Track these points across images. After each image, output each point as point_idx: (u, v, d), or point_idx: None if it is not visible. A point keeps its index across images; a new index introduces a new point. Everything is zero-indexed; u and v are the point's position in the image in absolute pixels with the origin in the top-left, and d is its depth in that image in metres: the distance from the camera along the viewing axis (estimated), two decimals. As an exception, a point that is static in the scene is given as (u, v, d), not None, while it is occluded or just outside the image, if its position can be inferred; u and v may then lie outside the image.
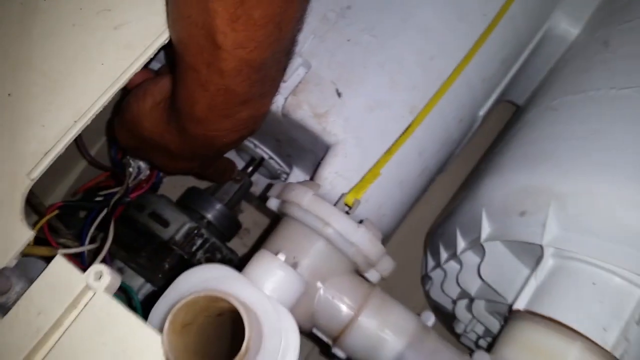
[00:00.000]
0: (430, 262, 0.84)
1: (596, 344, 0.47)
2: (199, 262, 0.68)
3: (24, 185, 0.37)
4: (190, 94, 0.43)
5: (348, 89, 0.61)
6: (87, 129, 0.59)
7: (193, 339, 0.38)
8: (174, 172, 0.67)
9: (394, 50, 0.62)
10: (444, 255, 0.76)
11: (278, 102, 0.60)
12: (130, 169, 0.64)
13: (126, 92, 0.52)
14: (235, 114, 0.45)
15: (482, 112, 0.74)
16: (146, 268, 0.65)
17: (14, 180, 0.37)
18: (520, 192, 0.57)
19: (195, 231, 0.68)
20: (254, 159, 0.80)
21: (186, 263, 0.67)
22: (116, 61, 0.40)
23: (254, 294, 0.38)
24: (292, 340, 0.38)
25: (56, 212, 0.54)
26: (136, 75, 0.47)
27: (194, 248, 0.68)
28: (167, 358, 0.34)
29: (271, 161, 0.80)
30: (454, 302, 0.76)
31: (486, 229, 0.61)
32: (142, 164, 0.66)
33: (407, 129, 0.60)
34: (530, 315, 0.51)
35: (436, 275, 0.81)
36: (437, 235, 0.80)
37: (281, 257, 0.42)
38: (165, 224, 0.67)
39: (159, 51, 0.42)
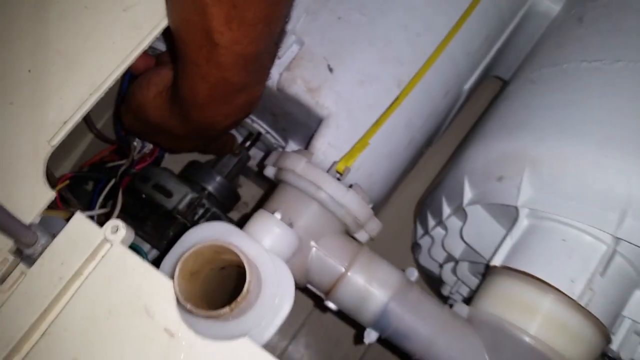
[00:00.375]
0: (419, 231, 0.88)
1: (565, 295, 0.52)
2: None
3: (45, 151, 0.42)
4: (192, 85, 0.47)
5: (339, 65, 0.65)
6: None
7: (199, 287, 0.43)
8: (177, 151, 0.74)
9: (382, 28, 0.66)
10: (431, 222, 0.80)
11: (273, 78, 0.64)
12: (135, 143, 0.69)
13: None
14: (233, 101, 0.50)
15: (467, 86, 0.78)
16: (152, 235, 0.70)
17: (36, 147, 0.42)
18: (499, 158, 0.61)
19: (197, 201, 0.72)
20: (252, 134, 0.84)
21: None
22: (126, 40, 0.44)
23: (254, 246, 0.42)
24: (288, 289, 0.43)
25: (67, 182, 0.58)
26: (138, 60, 0.50)
27: (196, 217, 0.73)
28: (178, 299, 0.38)
29: (268, 136, 0.84)
30: (441, 266, 0.81)
31: (468, 195, 0.65)
32: (146, 140, 0.70)
33: (394, 101, 0.64)
34: (507, 270, 0.56)
35: (424, 242, 0.85)
36: (425, 205, 0.85)
37: (277, 215, 0.46)
38: (168, 194, 0.71)
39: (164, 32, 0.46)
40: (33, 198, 0.41)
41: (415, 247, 0.89)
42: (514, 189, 0.58)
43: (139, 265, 0.39)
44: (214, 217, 0.74)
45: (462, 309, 0.56)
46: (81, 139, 0.73)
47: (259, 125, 0.83)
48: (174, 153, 0.80)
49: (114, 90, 0.69)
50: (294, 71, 0.64)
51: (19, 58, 0.44)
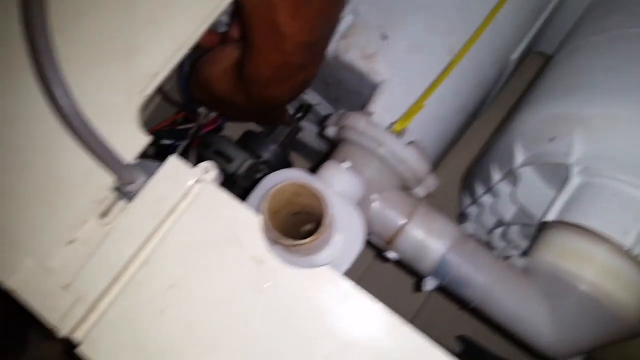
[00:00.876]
0: (466, 201, 0.91)
1: (618, 245, 0.54)
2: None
3: (138, 101, 0.46)
4: (258, 68, 0.52)
5: (393, 33, 0.68)
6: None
7: (278, 227, 0.46)
8: (239, 121, 0.82)
9: (434, -2, 0.69)
10: (479, 191, 0.83)
11: (330, 47, 0.67)
12: (201, 110, 0.73)
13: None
14: (293, 80, 0.55)
15: (514, 57, 0.80)
16: (215, 198, 0.74)
17: (130, 97, 0.46)
18: (550, 120, 0.64)
19: (256, 167, 0.76)
20: (303, 106, 0.88)
21: (249, 194, 0.76)
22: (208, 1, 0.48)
23: (327, 189, 0.46)
24: (359, 228, 0.46)
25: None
26: (205, 37, 0.54)
27: (255, 182, 0.77)
28: (266, 231, 0.42)
29: (319, 107, 0.87)
30: (490, 232, 0.83)
31: (520, 158, 0.68)
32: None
33: (446, 68, 0.67)
34: (561, 225, 0.58)
35: (472, 211, 0.88)
36: (472, 175, 0.87)
37: (346, 165, 0.50)
38: (229, 160, 0.76)
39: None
40: (130, 142, 0.45)
41: (462, 217, 0.92)
42: (566, 149, 0.60)
43: (229, 202, 0.43)
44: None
45: (517, 260, 0.58)
46: (152, 101, 0.78)
47: (311, 97, 0.86)
48: (235, 122, 0.85)
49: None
50: (349, 39, 0.68)
51: (109, 17, 0.48)
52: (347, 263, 0.45)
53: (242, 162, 0.76)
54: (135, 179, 0.43)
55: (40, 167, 0.46)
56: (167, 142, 0.68)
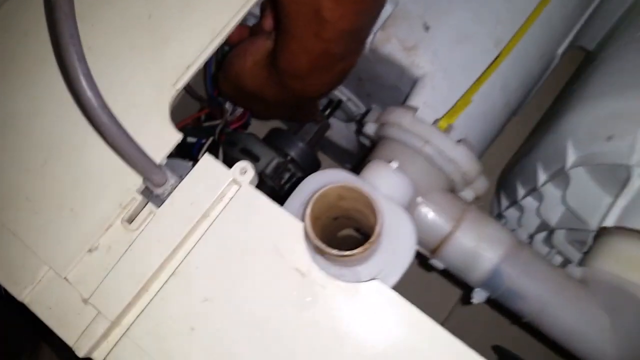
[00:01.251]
0: (504, 202, 0.86)
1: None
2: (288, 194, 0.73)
3: (170, 94, 0.42)
4: (294, 57, 0.48)
5: (435, 23, 0.63)
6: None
7: (318, 234, 0.42)
8: (266, 118, 0.77)
9: (478, -16, 0.64)
10: (521, 192, 0.78)
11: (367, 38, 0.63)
12: (227, 105, 0.69)
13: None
14: (331, 70, 0.51)
15: (560, 50, 0.75)
16: (241, 198, 0.70)
17: (161, 90, 0.42)
18: (608, 117, 0.59)
19: (283, 166, 0.72)
20: (332, 102, 0.83)
21: (276, 193, 0.71)
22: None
23: (375, 192, 0.41)
24: (408, 235, 0.42)
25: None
26: (234, 33, 0.51)
27: (283, 181, 0.73)
28: (309, 239, 0.37)
29: (349, 103, 0.83)
30: (531, 236, 0.78)
31: (571, 157, 0.63)
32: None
33: (494, 61, 0.62)
34: (621, 230, 0.53)
35: (510, 213, 0.83)
36: (512, 175, 0.82)
37: (394, 164, 0.45)
38: (255, 158, 0.72)
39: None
40: (160, 139, 0.40)
41: (499, 219, 0.87)
42: (626, 148, 0.55)
43: (268, 206, 0.39)
44: (300, 182, 0.74)
45: (575, 270, 0.53)
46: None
47: (340, 92, 0.82)
48: (262, 119, 0.81)
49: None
50: (388, 30, 0.63)
51: (139, 4, 0.44)
52: (397, 275, 0.41)
53: (269, 161, 0.72)
54: (165, 180, 0.39)
55: (61, 166, 0.42)
56: (191, 139, 0.64)
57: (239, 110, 0.71)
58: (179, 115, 0.74)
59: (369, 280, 0.38)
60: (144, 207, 0.40)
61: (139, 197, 0.40)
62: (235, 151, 0.72)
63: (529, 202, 0.76)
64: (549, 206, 0.70)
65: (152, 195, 0.40)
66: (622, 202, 0.55)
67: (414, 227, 0.42)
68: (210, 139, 0.64)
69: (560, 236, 0.72)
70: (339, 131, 0.92)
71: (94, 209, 0.41)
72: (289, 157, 0.77)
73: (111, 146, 0.37)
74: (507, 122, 0.78)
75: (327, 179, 0.42)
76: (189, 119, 0.69)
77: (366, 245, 0.36)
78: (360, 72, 0.72)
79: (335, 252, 0.36)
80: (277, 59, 0.51)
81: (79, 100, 0.34)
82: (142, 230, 0.39)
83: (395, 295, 0.37)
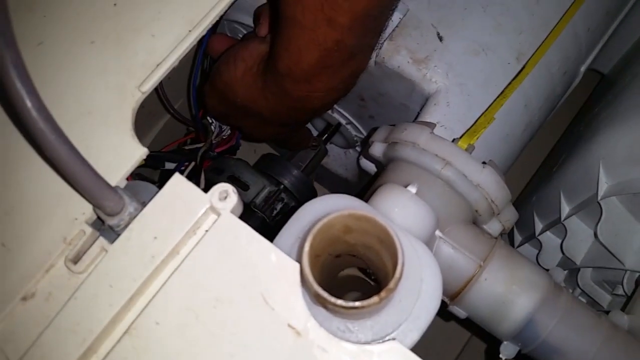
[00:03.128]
0: (517, 237, 0.78)
1: None
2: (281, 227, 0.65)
3: (134, 99, 0.33)
4: (302, 54, 0.43)
5: (450, 32, 0.56)
6: (171, 85, 0.57)
7: (318, 276, 0.33)
8: (259, 139, 0.70)
9: (497, -9, 0.57)
10: (538, 225, 0.71)
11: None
12: (212, 127, 0.61)
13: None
14: (341, 70, 0.45)
15: (583, 68, 0.68)
16: (229, 230, 0.61)
17: (124, 93, 0.33)
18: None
19: (275, 195, 0.64)
20: (330, 125, 0.76)
21: (268, 226, 0.63)
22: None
23: (393, 225, 0.33)
24: (432, 278, 0.33)
25: (143, 162, 0.50)
26: (218, 42, 0.50)
27: (275, 212, 0.65)
28: (306, 286, 0.29)
29: (348, 126, 0.75)
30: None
31: (604, 184, 0.55)
32: (223, 124, 0.63)
33: (518, 74, 0.54)
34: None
35: (525, 250, 0.75)
36: (528, 207, 0.74)
37: (412, 189, 0.37)
38: (245, 187, 0.64)
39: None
40: (120, 155, 0.32)
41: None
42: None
43: (255, 242, 0.30)
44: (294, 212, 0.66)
45: (621, 318, 0.45)
46: (158, 119, 0.66)
47: (339, 114, 0.74)
48: (253, 140, 0.73)
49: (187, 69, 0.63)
50: (397, 40, 0.56)
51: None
52: (419, 330, 0.32)
53: (259, 190, 0.64)
54: (122, 208, 0.30)
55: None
56: (170, 165, 0.56)
57: (227, 133, 0.63)
58: (165, 142, 0.67)
59: (384, 341, 0.29)
60: (94, 242, 0.31)
61: (88, 230, 0.31)
62: (222, 178, 0.64)
63: (549, 237, 0.68)
64: (574, 241, 0.63)
65: (105, 227, 0.31)
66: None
67: (438, 268, 0.33)
68: (192, 164, 0.55)
69: (586, 275, 0.64)
70: (337, 159, 0.85)
71: (30, 244, 0.31)
72: (282, 186, 0.69)
73: (49, 162, 0.28)
74: (527, 144, 0.70)
75: (330, 206, 0.33)
76: (173, 143, 0.61)
77: (383, 294, 0.28)
78: (362, 90, 0.65)
79: (341, 302, 0.27)
80: (278, 62, 0.44)
81: (7, 98, 0.25)
82: (91, 272, 0.30)
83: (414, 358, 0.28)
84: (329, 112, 0.75)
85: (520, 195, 0.87)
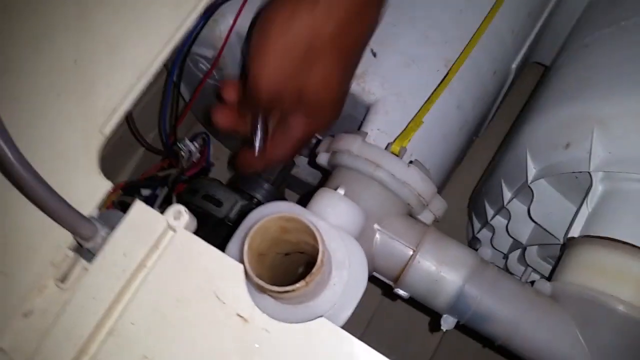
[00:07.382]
0: (476, 225, 0.84)
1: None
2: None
3: (97, 141, 0.40)
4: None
5: (382, 48, 0.62)
6: (142, 119, 0.63)
7: (266, 272, 0.40)
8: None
9: (422, 7, 0.64)
10: (490, 212, 0.77)
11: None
12: (182, 153, 0.68)
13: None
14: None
15: (514, 65, 0.74)
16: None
17: (88, 136, 0.40)
18: (563, 124, 0.58)
19: (248, 209, 0.71)
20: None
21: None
22: (169, 20, 0.43)
23: (320, 222, 0.40)
24: (360, 265, 0.40)
25: (120, 192, 0.57)
26: (223, 118, 0.49)
27: (249, 225, 0.71)
28: (249, 279, 0.35)
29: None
30: (506, 257, 0.77)
31: (532, 170, 0.61)
32: (192, 148, 0.69)
33: (443, 79, 0.61)
34: (587, 239, 0.52)
35: (483, 235, 0.82)
36: (480, 196, 0.81)
37: (341, 191, 0.43)
38: (218, 203, 0.70)
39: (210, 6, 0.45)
40: (89, 189, 0.39)
41: (474, 242, 0.85)
42: (584, 154, 0.54)
43: (206, 251, 0.37)
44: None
45: (544, 285, 0.51)
46: (132, 153, 0.72)
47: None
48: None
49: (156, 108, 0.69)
50: (337, 61, 0.62)
51: (64, 49, 0.43)
52: (350, 307, 0.39)
53: (232, 204, 0.70)
54: (95, 233, 0.37)
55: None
56: (145, 192, 0.62)
57: (196, 156, 0.70)
58: (146, 169, 0.73)
59: (315, 318, 0.36)
60: (76, 263, 0.38)
61: (71, 254, 0.38)
62: (197, 198, 0.71)
63: (499, 222, 0.74)
64: (518, 223, 0.69)
65: (84, 250, 0.38)
66: (585, 210, 0.54)
67: (364, 255, 0.40)
68: (165, 189, 0.61)
69: (532, 253, 0.70)
70: (304, 168, 0.91)
71: (25, 270, 0.39)
72: (254, 200, 0.75)
73: (32, 201, 0.35)
74: (469, 141, 0.77)
75: (269, 211, 0.40)
76: (151, 170, 0.68)
77: (308, 278, 0.34)
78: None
79: (275, 288, 0.34)
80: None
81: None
82: (76, 289, 0.37)
83: (344, 334, 0.35)
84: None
85: (476, 186, 0.94)
